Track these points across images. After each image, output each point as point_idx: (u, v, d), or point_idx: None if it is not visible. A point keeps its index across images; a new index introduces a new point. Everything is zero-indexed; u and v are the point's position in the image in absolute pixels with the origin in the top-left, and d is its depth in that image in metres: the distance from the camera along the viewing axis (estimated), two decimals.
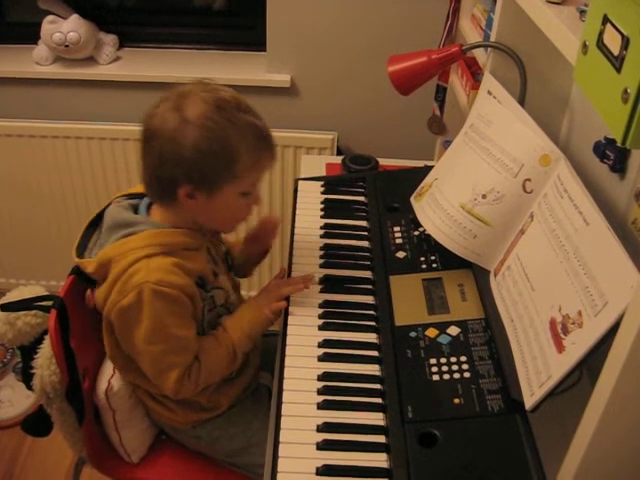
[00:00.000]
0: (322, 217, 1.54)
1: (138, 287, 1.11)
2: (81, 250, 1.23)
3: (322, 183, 1.66)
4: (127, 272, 1.12)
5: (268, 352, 1.46)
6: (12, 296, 1.26)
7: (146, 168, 1.16)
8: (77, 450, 1.37)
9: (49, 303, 1.22)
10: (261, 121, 1.17)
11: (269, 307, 1.27)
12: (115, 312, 1.14)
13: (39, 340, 1.25)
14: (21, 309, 1.23)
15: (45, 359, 1.20)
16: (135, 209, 1.24)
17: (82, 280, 1.26)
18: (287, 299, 1.29)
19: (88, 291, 1.31)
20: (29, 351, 1.25)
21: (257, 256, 1.49)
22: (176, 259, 1.15)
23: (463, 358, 1.13)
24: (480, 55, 1.54)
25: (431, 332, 1.19)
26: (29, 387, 1.25)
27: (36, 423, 1.31)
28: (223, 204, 1.17)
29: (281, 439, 1.03)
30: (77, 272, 1.26)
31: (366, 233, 1.48)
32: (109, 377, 1.29)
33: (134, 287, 1.11)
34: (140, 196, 1.27)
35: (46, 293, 1.27)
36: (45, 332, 1.23)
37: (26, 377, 1.25)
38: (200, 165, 1.10)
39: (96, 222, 1.27)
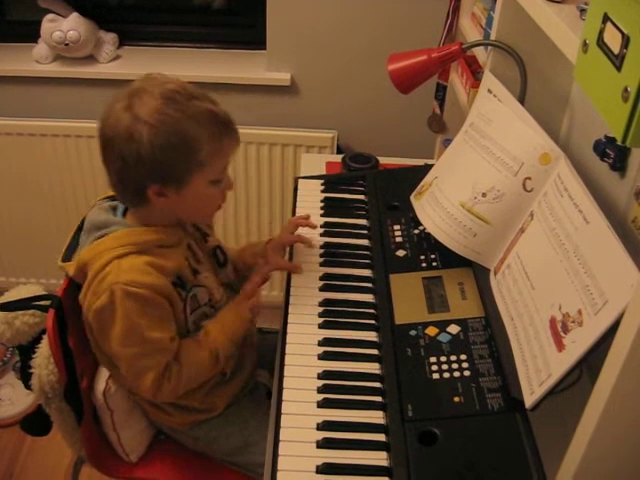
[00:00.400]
0: (322, 216, 1.54)
1: (109, 288, 1.10)
2: (69, 254, 1.23)
3: (322, 182, 1.66)
4: (100, 274, 1.11)
5: (265, 350, 1.46)
6: (10, 295, 1.26)
7: (111, 173, 1.14)
8: (76, 449, 1.37)
9: (47, 302, 1.22)
10: (217, 106, 1.15)
11: (246, 306, 1.27)
12: (91, 314, 1.14)
13: (37, 339, 1.24)
14: (19, 308, 1.23)
15: (43, 358, 1.20)
16: (115, 210, 1.23)
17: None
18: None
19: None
20: (27, 350, 1.24)
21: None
22: (149, 257, 1.13)
23: (463, 356, 1.13)
24: (480, 53, 1.54)
25: (431, 330, 1.19)
26: (27, 386, 1.25)
27: (35, 422, 1.31)
28: (195, 195, 1.15)
29: (281, 437, 1.03)
30: None
31: (366, 232, 1.49)
32: (107, 377, 1.29)
33: (106, 289, 1.10)
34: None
35: (44, 292, 1.27)
36: (43, 331, 1.23)
37: (24, 376, 1.25)
38: (162, 162, 1.09)
39: (82, 227, 1.27)
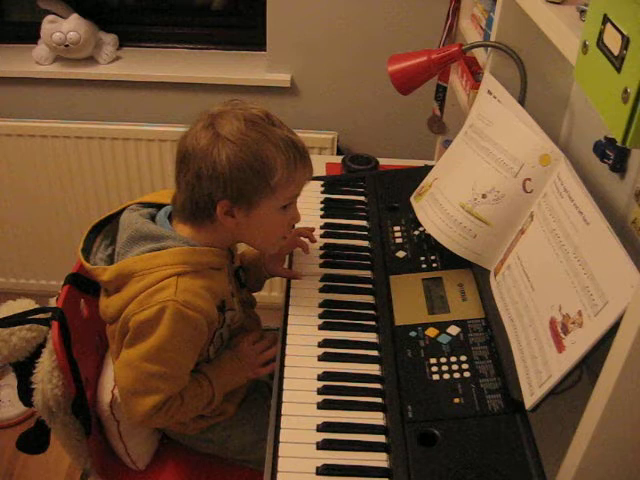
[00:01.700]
0: (322, 217, 1.54)
1: (163, 303, 1.08)
2: (86, 253, 1.21)
3: (322, 183, 1.66)
4: (154, 287, 1.10)
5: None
6: (2, 312, 1.22)
7: (182, 188, 1.15)
8: (81, 463, 1.34)
9: (44, 315, 1.20)
10: (295, 135, 1.17)
11: (254, 371, 1.29)
12: (130, 323, 1.11)
13: (34, 355, 1.21)
14: (15, 324, 1.19)
15: (46, 373, 1.16)
16: (152, 218, 1.22)
17: (77, 289, 1.25)
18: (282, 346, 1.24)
19: (82, 301, 1.30)
20: (25, 367, 1.20)
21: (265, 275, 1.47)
22: (205, 281, 1.14)
23: (463, 358, 1.13)
24: (480, 55, 1.54)
25: (431, 332, 1.19)
26: (28, 404, 1.20)
27: (32, 440, 1.27)
28: (262, 220, 1.16)
29: (281, 438, 1.03)
30: (72, 281, 1.25)
31: (366, 233, 1.49)
32: (112, 388, 1.27)
33: (158, 302, 1.08)
34: (156, 206, 1.25)
35: (37, 306, 1.23)
36: (41, 346, 1.20)
37: (24, 394, 1.20)
38: (236, 180, 1.10)
39: (100, 226, 1.26)
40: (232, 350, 1.30)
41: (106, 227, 1.26)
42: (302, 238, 1.43)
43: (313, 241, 1.44)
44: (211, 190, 1.11)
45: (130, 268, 1.13)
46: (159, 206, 1.25)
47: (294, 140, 1.15)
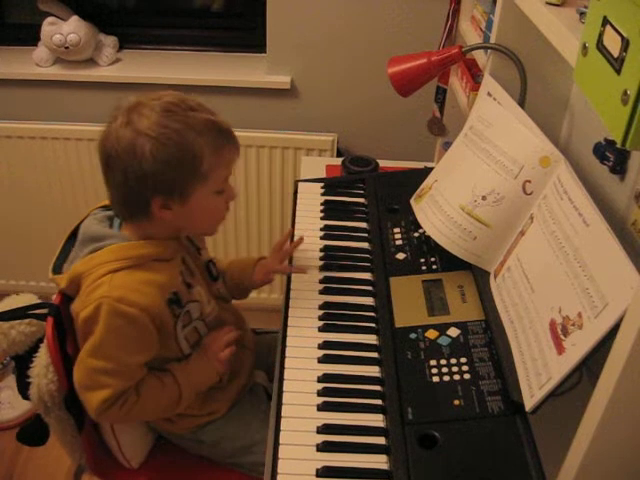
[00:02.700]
0: (322, 219, 1.54)
1: (98, 301, 1.09)
2: (58, 264, 1.22)
3: (322, 185, 1.66)
4: (91, 285, 1.11)
5: (261, 351, 1.46)
6: (4, 305, 1.24)
7: (112, 190, 1.14)
8: (76, 458, 1.36)
9: (43, 311, 1.21)
10: (216, 116, 1.14)
11: (217, 359, 1.26)
12: (78, 323, 1.13)
13: (34, 349, 1.22)
14: (15, 318, 1.21)
15: (42, 367, 1.18)
16: (112, 221, 1.22)
17: None
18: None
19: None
20: (24, 360, 1.22)
21: (253, 286, 1.47)
22: (144, 274, 1.12)
23: (463, 359, 1.13)
24: (480, 57, 1.54)
25: (431, 334, 1.19)
26: (25, 396, 1.22)
27: (32, 432, 1.29)
28: (199, 207, 1.14)
29: (281, 440, 1.03)
30: None
31: (366, 235, 1.49)
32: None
33: (94, 300, 1.09)
34: None
35: (39, 301, 1.25)
36: (39, 340, 1.22)
37: (22, 387, 1.22)
38: (165, 174, 1.08)
39: (75, 235, 1.25)
40: (199, 347, 1.28)
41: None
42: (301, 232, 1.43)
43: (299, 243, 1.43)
44: (142, 189, 1.09)
45: (77, 271, 1.14)
46: None
47: (216, 121, 1.12)
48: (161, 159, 1.06)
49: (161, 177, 1.08)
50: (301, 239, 1.42)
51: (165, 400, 1.21)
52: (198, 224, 1.21)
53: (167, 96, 1.12)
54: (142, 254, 1.14)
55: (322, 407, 1.08)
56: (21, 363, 1.24)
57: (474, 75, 1.65)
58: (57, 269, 1.22)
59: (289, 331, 1.23)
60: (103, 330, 1.09)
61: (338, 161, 1.84)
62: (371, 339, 1.21)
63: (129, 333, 1.11)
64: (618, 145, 0.67)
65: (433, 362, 1.13)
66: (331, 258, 1.41)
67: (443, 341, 1.17)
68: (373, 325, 1.24)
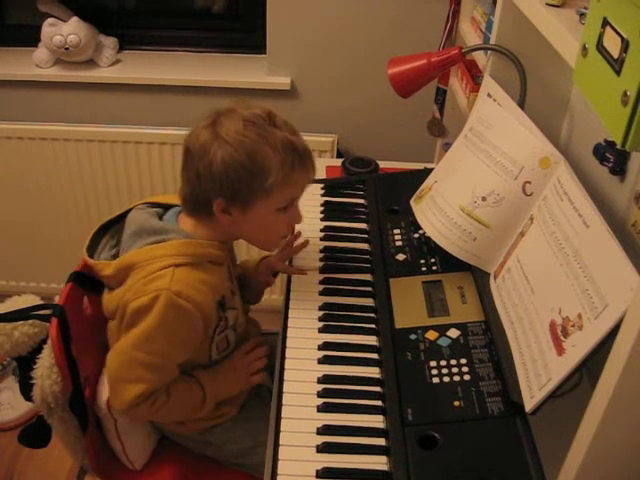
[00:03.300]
0: (322, 220, 1.54)
1: (157, 292, 1.09)
2: (91, 252, 1.22)
3: (322, 186, 1.66)
4: (151, 276, 1.11)
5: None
6: (7, 306, 1.24)
7: (185, 182, 1.17)
8: (78, 460, 1.35)
9: (47, 312, 1.21)
10: (296, 137, 1.17)
11: (247, 382, 1.30)
12: (127, 311, 1.12)
13: (37, 350, 1.22)
14: (18, 319, 1.21)
15: (45, 369, 1.17)
16: (160, 217, 1.24)
17: (80, 287, 1.25)
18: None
19: (85, 299, 1.31)
20: (27, 362, 1.22)
21: (261, 288, 1.50)
22: (203, 275, 1.14)
23: (463, 360, 1.13)
24: (480, 58, 1.54)
25: (431, 335, 1.19)
26: (28, 398, 1.22)
27: (34, 434, 1.29)
28: (258, 219, 1.17)
29: (281, 441, 1.03)
30: (75, 279, 1.25)
31: (366, 236, 1.49)
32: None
33: (153, 290, 1.10)
34: (164, 206, 1.26)
35: (41, 302, 1.25)
36: (42, 341, 1.22)
37: (25, 388, 1.22)
38: (231, 180, 1.11)
39: (108, 226, 1.27)
40: (229, 360, 1.30)
41: (113, 227, 1.28)
42: (300, 229, 1.45)
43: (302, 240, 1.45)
44: (208, 188, 1.12)
45: (131, 260, 1.14)
46: (167, 207, 1.26)
47: (294, 142, 1.15)
48: (229, 165, 1.10)
49: (226, 182, 1.11)
50: (307, 242, 1.43)
51: (190, 405, 1.23)
52: (255, 236, 1.24)
53: (257, 109, 1.15)
54: (203, 253, 1.16)
55: (322, 408, 1.08)
56: (24, 364, 1.23)
57: (474, 76, 1.65)
58: (91, 252, 1.22)
59: (289, 332, 1.23)
60: (155, 321, 1.10)
61: (338, 162, 1.84)
62: (371, 340, 1.21)
63: (179, 328, 1.13)
64: (618, 146, 0.67)
65: (433, 363, 1.13)
66: (331, 259, 1.41)
67: (443, 342, 1.17)
68: (373, 326, 1.24)
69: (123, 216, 1.27)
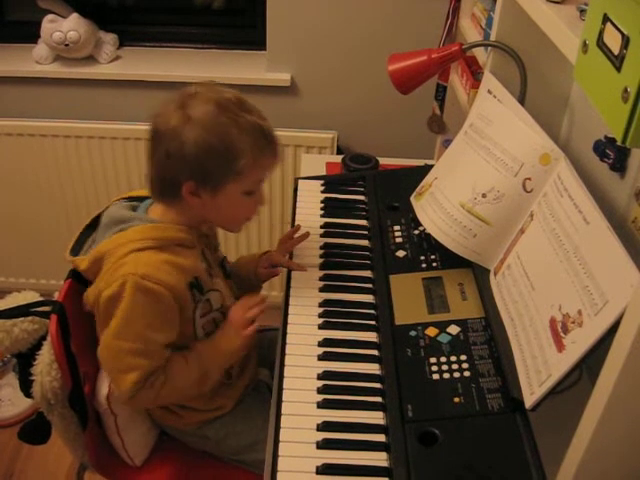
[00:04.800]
0: (322, 216, 1.54)
1: (123, 278, 1.10)
2: (75, 251, 1.23)
3: (322, 182, 1.66)
4: (116, 264, 1.12)
5: (264, 348, 1.47)
6: (7, 303, 1.24)
7: (152, 166, 1.17)
8: (78, 456, 1.36)
9: (46, 308, 1.21)
10: (265, 121, 1.18)
11: (240, 336, 1.25)
12: (100, 303, 1.14)
13: (36, 346, 1.23)
14: (17, 315, 1.21)
15: (45, 365, 1.18)
16: (134, 210, 1.25)
17: (79, 284, 1.26)
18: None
19: (84, 295, 1.31)
20: (27, 358, 1.22)
21: (260, 281, 1.49)
22: (168, 256, 1.15)
23: (463, 357, 1.13)
24: (480, 54, 1.54)
25: (431, 331, 1.19)
26: (28, 395, 1.22)
27: (34, 431, 1.29)
28: (227, 202, 1.18)
29: (281, 438, 1.03)
30: (74, 276, 1.26)
31: (366, 232, 1.48)
32: (109, 382, 1.26)
33: (119, 277, 1.11)
34: (139, 199, 1.27)
35: (41, 298, 1.25)
36: (42, 338, 1.22)
37: (24, 385, 1.22)
38: (203, 162, 1.12)
39: (92, 225, 1.28)
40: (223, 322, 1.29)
41: (96, 226, 1.28)
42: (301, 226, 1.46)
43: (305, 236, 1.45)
44: (178, 170, 1.13)
45: (100, 251, 1.16)
46: (143, 199, 1.27)
47: (263, 126, 1.16)
48: (202, 147, 1.11)
49: (197, 164, 1.12)
50: (307, 234, 1.44)
51: (192, 377, 1.22)
52: (222, 218, 1.25)
53: (227, 93, 1.18)
54: (167, 237, 1.17)
55: (322, 404, 1.08)
56: (23, 361, 1.24)
57: (474, 72, 1.65)
58: (74, 253, 1.23)
59: (289, 328, 1.23)
60: (128, 307, 1.11)
61: (338, 158, 1.84)
62: (371, 337, 1.22)
63: (153, 310, 1.13)
64: (618, 143, 0.67)
65: (433, 360, 1.13)
66: (331, 256, 1.41)
67: (443, 339, 1.17)
68: (373, 323, 1.24)
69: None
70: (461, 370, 1.11)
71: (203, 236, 1.28)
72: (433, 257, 1.35)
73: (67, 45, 2.13)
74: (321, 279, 1.34)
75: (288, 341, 1.20)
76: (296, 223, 1.50)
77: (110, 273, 1.12)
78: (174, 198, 1.17)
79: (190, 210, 1.18)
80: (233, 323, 1.26)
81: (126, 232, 1.16)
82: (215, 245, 1.35)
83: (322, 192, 1.62)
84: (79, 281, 1.27)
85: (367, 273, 1.36)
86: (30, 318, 1.22)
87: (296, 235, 1.45)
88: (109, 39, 2.25)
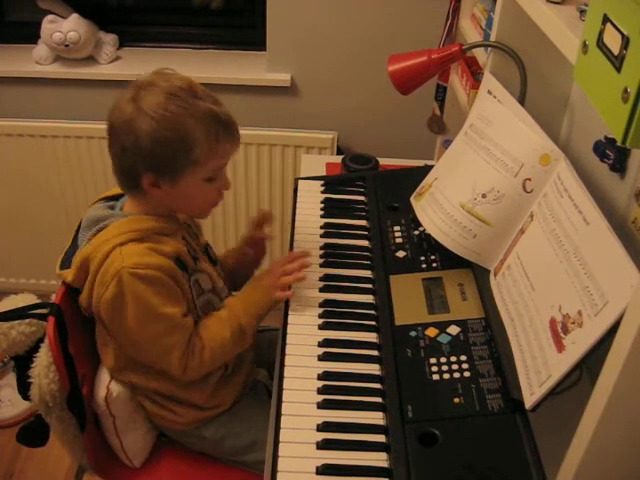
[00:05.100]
0: (322, 217, 1.54)
1: (116, 275, 1.12)
2: (67, 261, 1.24)
3: (322, 182, 1.66)
4: (104, 264, 1.13)
5: (261, 348, 1.47)
6: (4, 305, 1.24)
7: (112, 160, 1.18)
8: (77, 458, 1.36)
9: (44, 311, 1.21)
10: (219, 106, 1.17)
11: (270, 295, 1.27)
12: (102, 306, 1.15)
13: (34, 349, 1.23)
14: (15, 318, 1.21)
15: (43, 367, 1.18)
16: (112, 209, 1.25)
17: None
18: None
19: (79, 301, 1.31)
20: (24, 361, 1.22)
21: (250, 265, 1.50)
22: (151, 244, 1.16)
23: (463, 357, 1.13)
24: (480, 55, 1.54)
25: (431, 331, 1.19)
26: (26, 397, 1.23)
27: (32, 433, 1.29)
28: (188, 190, 1.18)
29: (281, 438, 1.03)
30: None
31: (366, 232, 1.48)
32: (107, 383, 1.27)
33: (113, 276, 1.12)
34: (116, 198, 1.28)
35: (39, 301, 1.25)
36: (40, 340, 1.22)
37: (22, 388, 1.22)
38: (156, 154, 1.12)
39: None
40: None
41: None
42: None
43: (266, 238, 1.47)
44: (135, 162, 1.14)
45: (83, 256, 1.17)
46: (119, 197, 1.28)
47: (217, 112, 1.15)
48: (155, 139, 1.11)
49: (152, 155, 1.12)
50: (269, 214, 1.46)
51: (227, 333, 1.23)
52: (187, 206, 1.25)
53: (177, 80, 1.15)
54: (145, 227, 1.18)
55: (322, 405, 1.08)
56: (21, 363, 1.23)
57: (474, 73, 1.65)
58: (65, 266, 1.24)
59: (289, 329, 1.23)
60: (134, 298, 1.13)
61: (338, 159, 1.84)
62: (371, 337, 1.21)
63: (156, 291, 1.15)
64: (618, 143, 0.67)
65: (433, 360, 1.13)
66: (331, 256, 1.41)
67: (443, 339, 1.17)
68: (373, 323, 1.24)
69: None
70: (461, 370, 1.11)
71: (183, 224, 1.28)
72: (433, 257, 1.35)
73: (67, 45, 2.13)
74: (321, 279, 1.34)
75: (288, 341, 1.20)
76: (296, 223, 1.50)
77: (102, 275, 1.13)
78: (137, 190, 1.18)
79: (156, 201, 1.19)
80: (266, 281, 1.28)
81: (104, 231, 1.17)
82: (196, 233, 1.35)
83: (322, 192, 1.62)
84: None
85: (367, 273, 1.36)
86: (27, 320, 1.22)
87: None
88: (109, 39, 2.25)
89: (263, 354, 1.47)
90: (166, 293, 1.16)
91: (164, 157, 1.12)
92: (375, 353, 1.18)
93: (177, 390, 1.27)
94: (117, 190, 1.27)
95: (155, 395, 1.30)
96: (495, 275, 1.23)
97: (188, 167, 1.14)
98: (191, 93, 1.14)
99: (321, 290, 1.32)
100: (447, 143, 1.78)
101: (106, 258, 1.13)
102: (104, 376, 1.29)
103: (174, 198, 1.19)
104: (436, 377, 1.10)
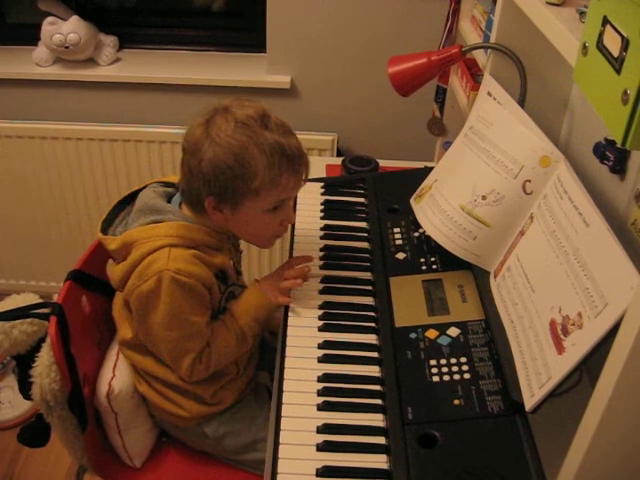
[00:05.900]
0: (322, 218, 1.54)
1: (158, 274, 1.15)
2: (106, 226, 1.27)
3: (322, 184, 1.66)
4: (148, 258, 1.16)
5: (264, 351, 1.47)
6: (6, 305, 1.25)
7: (182, 177, 1.21)
8: (77, 458, 1.36)
9: (45, 310, 1.22)
10: (288, 139, 1.17)
11: (275, 297, 1.29)
12: (134, 296, 1.18)
13: (35, 349, 1.23)
14: (17, 317, 1.22)
15: (44, 367, 1.18)
16: (169, 198, 1.28)
17: (78, 286, 1.27)
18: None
19: (83, 297, 1.31)
20: (26, 360, 1.23)
21: None
22: (197, 252, 1.19)
23: (463, 359, 1.13)
24: (480, 56, 1.54)
25: (431, 333, 1.19)
26: (27, 397, 1.23)
27: (33, 433, 1.29)
28: (248, 219, 1.21)
29: (281, 440, 1.03)
30: (73, 277, 1.27)
31: (366, 234, 1.49)
32: (109, 380, 1.28)
33: (154, 273, 1.15)
34: (175, 185, 1.31)
35: (40, 300, 1.26)
36: (41, 340, 1.23)
37: (23, 387, 1.23)
38: (219, 180, 1.14)
39: (126, 201, 1.32)
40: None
41: (130, 203, 1.31)
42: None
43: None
44: (199, 186, 1.16)
45: (132, 237, 1.19)
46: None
47: (283, 145, 1.15)
48: (217, 166, 1.13)
49: (215, 181, 1.14)
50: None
51: (231, 337, 1.26)
52: (247, 234, 1.28)
53: (251, 109, 1.16)
54: (196, 238, 1.21)
55: (322, 407, 1.08)
56: (22, 363, 1.24)
57: (474, 75, 1.65)
58: (106, 231, 1.26)
59: (289, 331, 1.23)
60: (168, 300, 1.16)
61: (338, 161, 1.84)
62: (371, 339, 1.21)
63: (191, 298, 1.19)
64: (618, 145, 0.67)
65: (433, 362, 1.13)
66: (331, 258, 1.41)
67: (443, 341, 1.17)
68: (373, 325, 1.24)
69: (140, 192, 1.31)
70: (461, 372, 1.10)
71: (231, 237, 1.32)
72: (433, 259, 1.35)
73: (67, 47, 2.13)
74: (321, 281, 1.34)
75: (288, 343, 1.20)
76: (296, 225, 1.50)
77: (143, 268, 1.16)
78: (200, 208, 1.20)
79: (215, 222, 1.21)
80: (267, 285, 1.30)
81: (160, 226, 1.19)
82: (237, 244, 1.39)
83: (322, 194, 1.63)
84: (79, 283, 1.28)
85: (367, 275, 1.36)
86: (29, 320, 1.23)
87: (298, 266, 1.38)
88: (109, 41, 2.25)
89: (266, 357, 1.47)
90: (198, 302, 1.20)
91: (224, 184, 1.14)
92: (375, 355, 1.18)
93: (183, 380, 1.29)
94: (175, 178, 1.29)
95: (160, 385, 1.31)
96: (495, 277, 1.23)
97: (248, 196, 1.16)
98: (261, 123, 1.15)
99: (321, 292, 1.32)
100: (447, 145, 1.78)
101: (152, 252, 1.16)
102: (106, 373, 1.30)
103: (235, 224, 1.22)
104: (436, 379, 1.10)
